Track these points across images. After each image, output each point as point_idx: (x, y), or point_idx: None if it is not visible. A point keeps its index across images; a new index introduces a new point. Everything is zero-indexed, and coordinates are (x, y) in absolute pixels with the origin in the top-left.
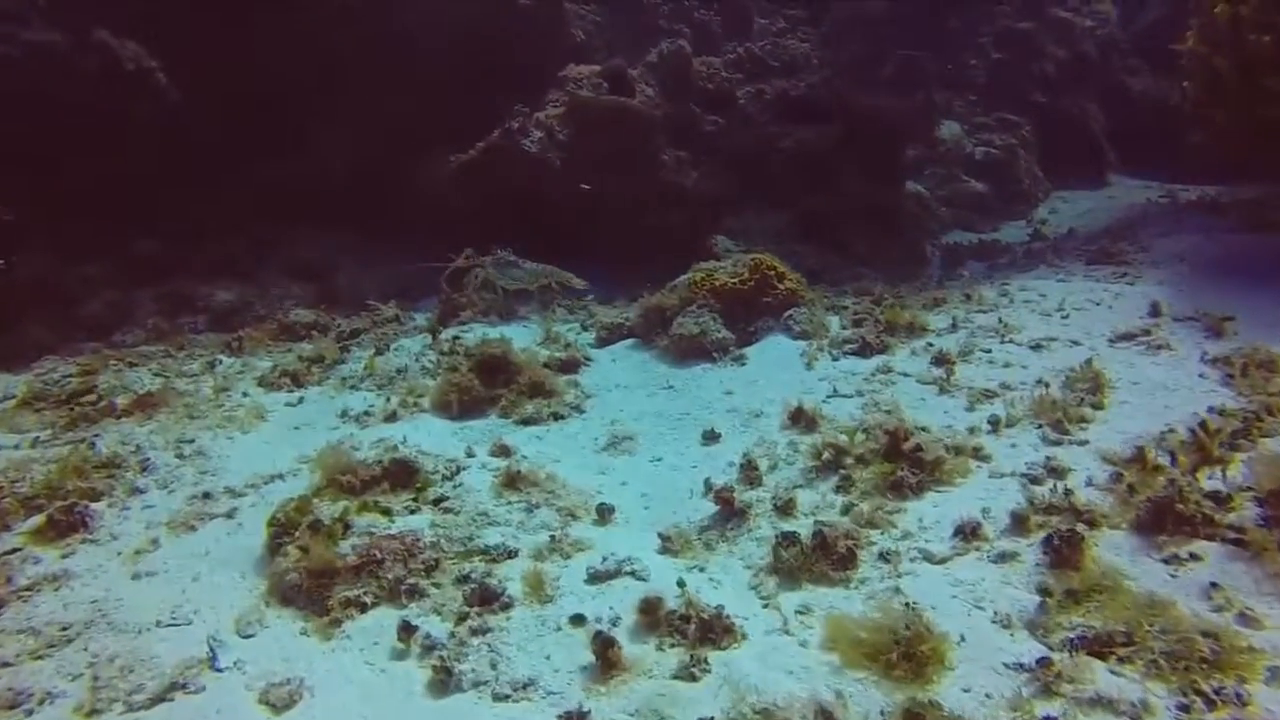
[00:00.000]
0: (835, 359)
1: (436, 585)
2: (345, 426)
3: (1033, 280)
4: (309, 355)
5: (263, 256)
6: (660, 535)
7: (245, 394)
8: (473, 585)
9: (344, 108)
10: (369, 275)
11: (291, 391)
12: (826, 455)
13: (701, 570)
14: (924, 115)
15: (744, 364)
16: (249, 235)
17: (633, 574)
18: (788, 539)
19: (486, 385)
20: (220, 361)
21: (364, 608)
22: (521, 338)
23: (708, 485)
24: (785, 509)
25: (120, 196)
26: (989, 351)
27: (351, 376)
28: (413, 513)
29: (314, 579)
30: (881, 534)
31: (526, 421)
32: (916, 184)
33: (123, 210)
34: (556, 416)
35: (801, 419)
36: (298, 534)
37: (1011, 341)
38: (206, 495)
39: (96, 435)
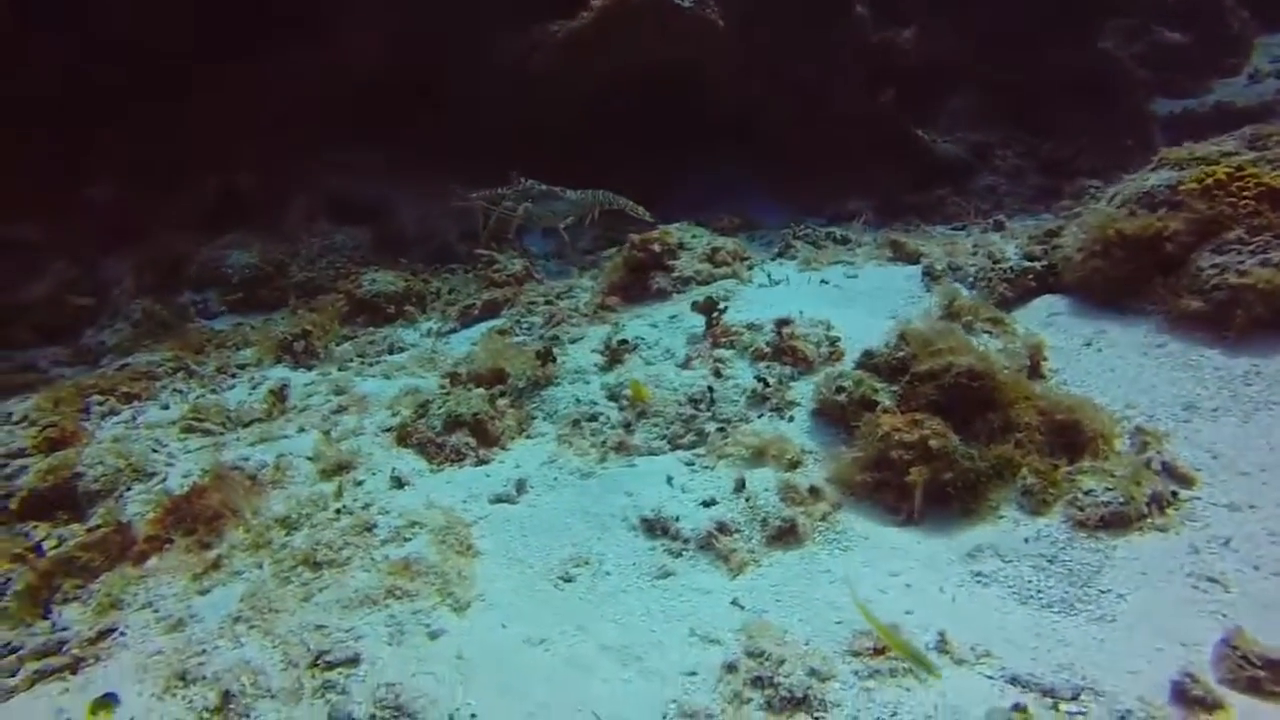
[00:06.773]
0: None
1: None
2: (687, 565)
3: None
4: (477, 370)
5: (278, 191)
6: None
7: (397, 478)
8: None
9: None
10: (437, 207)
11: (483, 462)
12: None
13: None
14: None
15: None
16: (249, 161)
17: None
18: None
19: (970, 437)
20: (287, 384)
21: None
22: (849, 310)
23: None
24: None
25: (42, 121)
26: None
27: (588, 415)
28: None
29: None
30: None
31: (1106, 523)
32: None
33: (52, 144)
34: (1161, 504)
35: None
36: None
37: None
38: None
39: (99, 656)
